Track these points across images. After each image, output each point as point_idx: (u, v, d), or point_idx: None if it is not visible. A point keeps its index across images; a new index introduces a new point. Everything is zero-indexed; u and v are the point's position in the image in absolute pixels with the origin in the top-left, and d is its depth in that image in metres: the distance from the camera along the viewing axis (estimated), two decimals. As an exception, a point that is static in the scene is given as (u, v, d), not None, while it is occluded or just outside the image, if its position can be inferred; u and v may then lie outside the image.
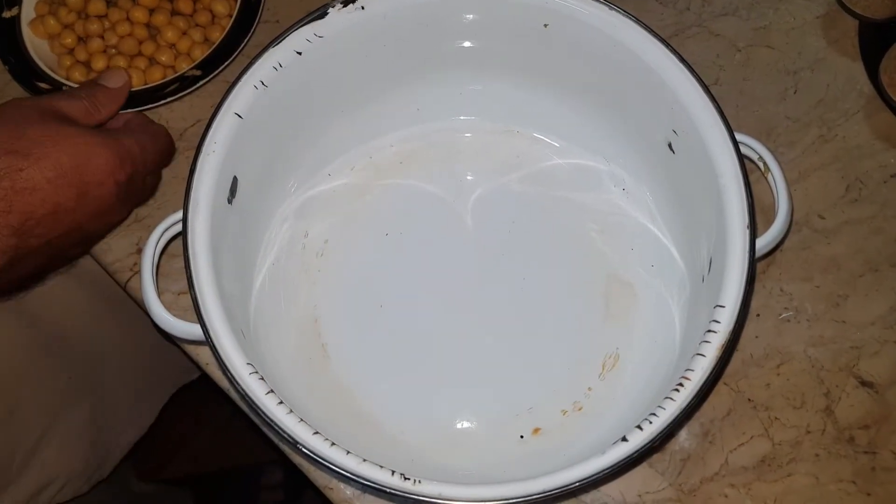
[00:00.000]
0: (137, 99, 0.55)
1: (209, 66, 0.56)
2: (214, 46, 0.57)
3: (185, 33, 0.57)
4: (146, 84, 0.56)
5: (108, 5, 0.57)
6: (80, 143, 0.45)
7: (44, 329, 0.60)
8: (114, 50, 0.57)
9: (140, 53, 0.57)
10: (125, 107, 0.53)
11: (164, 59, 0.57)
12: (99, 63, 0.56)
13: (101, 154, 0.45)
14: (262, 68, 0.45)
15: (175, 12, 0.58)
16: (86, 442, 0.66)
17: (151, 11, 0.57)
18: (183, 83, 0.56)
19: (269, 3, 0.60)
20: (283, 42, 0.46)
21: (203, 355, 0.51)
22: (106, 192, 0.46)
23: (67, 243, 0.47)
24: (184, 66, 0.57)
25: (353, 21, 0.47)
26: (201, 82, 0.55)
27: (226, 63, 0.56)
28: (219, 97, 0.45)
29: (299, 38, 0.46)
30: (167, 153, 0.53)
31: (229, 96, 0.45)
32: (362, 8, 0.46)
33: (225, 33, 0.57)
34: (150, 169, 0.51)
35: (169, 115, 0.57)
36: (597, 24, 0.46)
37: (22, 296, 0.58)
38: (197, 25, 0.58)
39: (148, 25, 0.57)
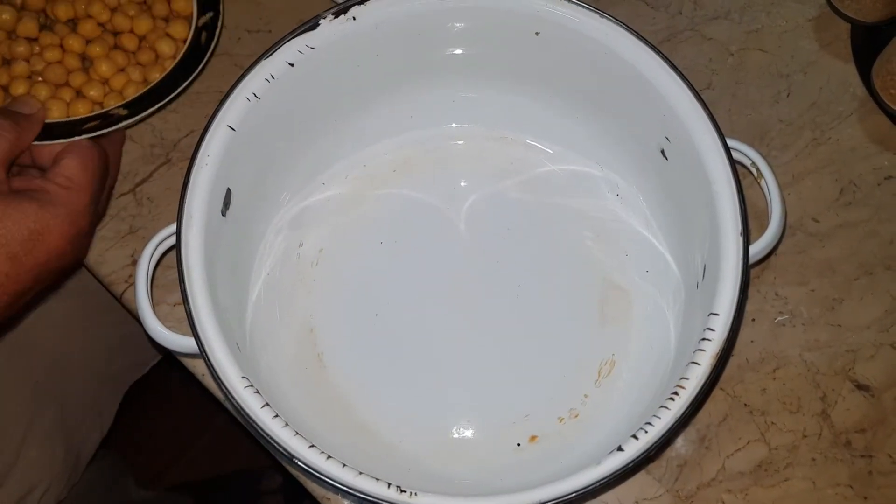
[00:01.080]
0: (50, 132, 0.49)
1: (138, 106, 0.51)
2: (148, 87, 0.52)
3: (122, 70, 0.53)
4: (69, 118, 0.51)
5: (42, 28, 0.53)
6: (30, 224, 0.43)
7: (9, 335, 0.60)
8: (39, 78, 0.52)
9: (67, 84, 0.52)
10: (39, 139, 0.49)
11: (93, 93, 0.52)
12: (19, 88, 0.51)
13: (53, 229, 0.44)
14: (254, 80, 0.45)
15: (117, 46, 0.53)
16: (60, 445, 0.67)
17: (89, 42, 0.53)
18: (105, 121, 0.50)
19: (263, 13, 0.60)
20: (275, 54, 0.46)
21: (199, 366, 0.51)
22: (66, 260, 0.46)
23: (40, 297, 0.46)
24: (112, 104, 0.51)
25: (345, 32, 0.47)
26: (124, 122, 0.50)
27: (156, 106, 0.51)
28: (212, 108, 0.45)
29: (291, 50, 0.46)
30: (111, 172, 0.51)
31: (222, 109, 0.45)
32: (354, 19, 0.46)
33: (164, 75, 0.52)
34: (99, 197, 0.49)
35: (163, 125, 0.57)
36: (588, 32, 0.46)
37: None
38: (138, 64, 0.53)
39: (83, 56, 0.53)
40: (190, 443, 1.11)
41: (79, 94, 0.52)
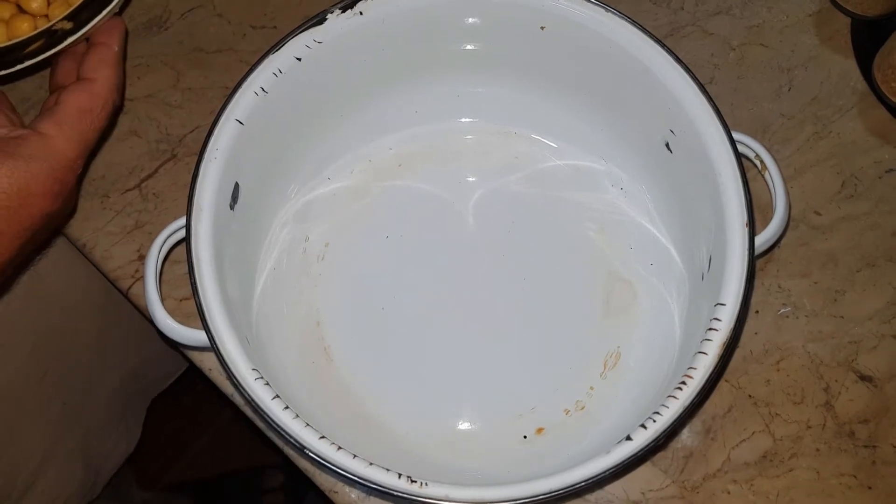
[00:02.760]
0: None
1: (82, 15, 0.44)
2: None
3: None
4: (10, 41, 0.44)
5: None
6: (9, 184, 0.38)
7: (42, 357, 0.60)
8: None
9: None
10: None
11: (34, 5, 0.45)
12: None
13: (34, 190, 0.39)
14: (263, 75, 0.45)
15: None
16: (80, 464, 0.66)
17: None
18: (50, 39, 0.43)
19: (267, 9, 0.60)
20: (283, 48, 0.46)
21: (206, 361, 0.51)
22: (52, 218, 0.42)
23: (31, 258, 0.43)
24: (59, 14, 0.44)
25: (352, 26, 0.47)
26: (71, 38, 0.44)
27: (103, 13, 0.44)
28: (219, 103, 0.45)
29: (298, 45, 0.46)
30: (116, 98, 0.45)
31: (230, 103, 0.45)
32: (361, 13, 0.47)
33: None
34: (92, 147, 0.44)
35: (168, 121, 0.57)
36: (593, 26, 0.46)
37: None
38: None
39: None
40: (190, 442, 1.11)
41: (20, 9, 0.46)
